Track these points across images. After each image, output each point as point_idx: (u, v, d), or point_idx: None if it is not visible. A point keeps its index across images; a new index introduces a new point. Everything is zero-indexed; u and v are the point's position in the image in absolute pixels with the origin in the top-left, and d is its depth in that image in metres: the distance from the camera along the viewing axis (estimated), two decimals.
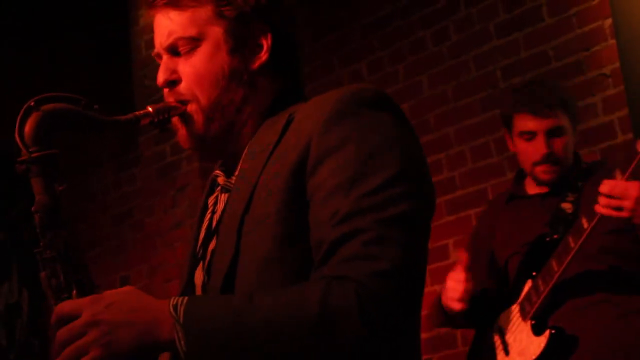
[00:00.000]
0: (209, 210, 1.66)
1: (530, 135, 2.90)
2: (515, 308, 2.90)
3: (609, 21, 3.83)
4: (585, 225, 2.67)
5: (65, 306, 1.36)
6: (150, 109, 1.58)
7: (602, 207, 2.61)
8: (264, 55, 1.60)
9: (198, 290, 1.59)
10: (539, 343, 2.78)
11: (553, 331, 2.76)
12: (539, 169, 2.91)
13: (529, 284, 2.86)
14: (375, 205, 1.37)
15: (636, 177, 2.59)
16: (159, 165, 5.24)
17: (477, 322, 3.06)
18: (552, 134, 2.88)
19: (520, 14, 4.20)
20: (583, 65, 3.93)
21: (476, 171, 4.27)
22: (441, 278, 4.26)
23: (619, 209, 2.58)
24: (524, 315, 2.85)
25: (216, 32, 1.59)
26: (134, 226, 5.57)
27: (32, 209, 1.44)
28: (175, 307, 1.32)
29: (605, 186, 2.60)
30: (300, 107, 1.55)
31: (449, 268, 4.23)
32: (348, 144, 1.41)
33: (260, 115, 1.61)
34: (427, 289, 4.39)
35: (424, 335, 4.25)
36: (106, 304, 1.33)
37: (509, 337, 2.90)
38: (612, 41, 3.81)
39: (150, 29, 1.68)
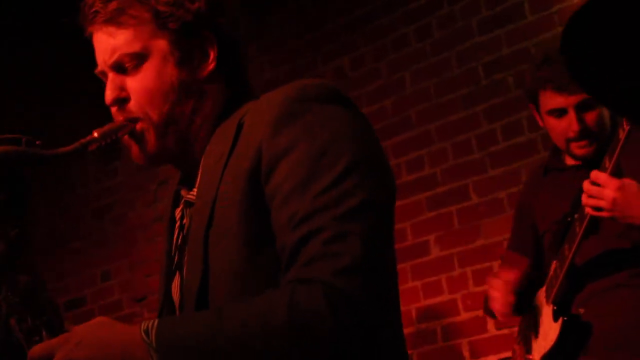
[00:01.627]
0: (177, 225, 1.65)
1: (560, 112, 2.78)
2: (544, 289, 2.84)
3: None
4: (587, 210, 2.57)
5: (36, 349, 1.36)
6: (95, 134, 1.55)
7: (585, 205, 2.55)
8: (211, 64, 1.60)
9: (176, 307, 1.59)
10: (555, 329, 2.72)
11: (565, 318, 2.69)
12: (574, 145, 2.79)
13: (554, 265, 2.78)
14: (330, 203, 1.36)
15: (617, 172, 2.52)
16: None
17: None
18: (583, 108, 2.74)
19: (502, 11, 4.21)
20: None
21: (457, 167, 4.28)
22: (422, 274, 4.30)
23: (597, 208, 2.52)
24: (547, 298, 2.80)
25: (161, 45, 1.57)
26: (115, 220, 5.55)
27: None
28: (146, 332, 1.32)
29: (587, 180, 2.53)
30: (249, 109, 1.53)
31: (430, 264, 4.29)
32: (298, 144, 1.41)
33: (213, 122, 1.60)
34: (409, 285, 4.44)
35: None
36: (76, 342, 1.33)
37: (540, 319, 2.85)
38: None
39: None
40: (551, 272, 2.79)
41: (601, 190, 2.49)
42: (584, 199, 2.54)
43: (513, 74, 4.11)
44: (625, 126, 2.45)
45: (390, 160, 4.52)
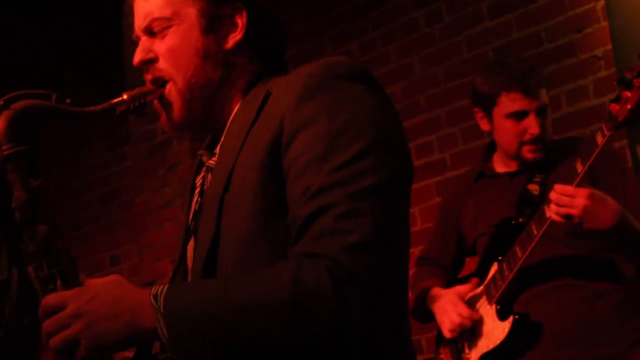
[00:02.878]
0: (197, 190, 1.67)
1: (520, 115, 2.85)
2: (481, 290, 2.91)
3: (601, 3, 3.83)
4: (547, 214, 2.67)
5: (51, 298, 1.40)
6: (125, 96, 1.58)
7: (552, 212, 2.64)
8: (238, 34, 1.60)
9: (189, 271, 1.61)
10: (503, 328, 2.80)
11: (517, 317, 2.78)
12: (527, 149, 2.87)
13: (494, 267, 2.87)
14: (346, 179, 1.36)
15: (590, 177, 2.65)
16: (149, 144, 5.22)
17: None
18: (540, 113, 2.84)
19: None
20: (575, 47, 3.94)
21: (467, 152, 4.28)
22: None
23: (567, 216, 2.60)
24: (489, 298, 2.87)
25: (190, 12, 1.59)
26: (123, 205, 5.56)
27: (12, 205, 1.46)
28: (155, 296, 1.34)
29: (554, 192, 2.62)
30: (278, 82, 1.54)
31: None
32: (319, 119, 1.41)
33: (241, 93, 1.62)
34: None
35: None
36: (90, 297, 1.37)
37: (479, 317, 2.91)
38: (605, 23, 3.81)
39: None
40: (490, 274, 2.87)
41: (572, 200, 2.58)
42: (554, 208, 2.62)
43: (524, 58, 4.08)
44: (606, 132, 2.58)
45: None
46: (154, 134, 5.06)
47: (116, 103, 1.57)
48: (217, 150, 1.61)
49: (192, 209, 1.66)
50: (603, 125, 2.61)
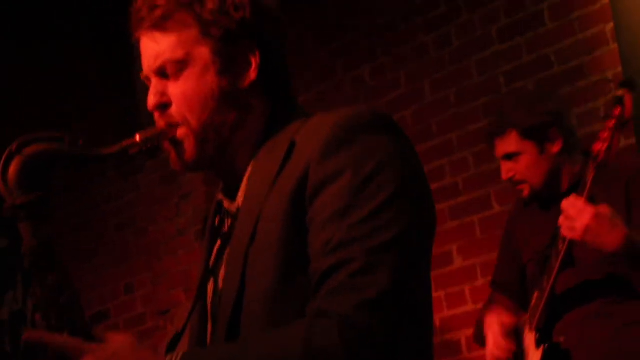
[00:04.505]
0: (218, 235, 1.66)
1: (498, 161, 3.03)
2: (526, 318, 2.94)
3: (610, 25, 3.83)
4: (560, 245, 2.73)
5: (68, 344, 1.36)
6: (137, 138, 1.56)
7: (561, 226, 2.68)
8: (253, 73, 1.58)
9: (209, 310, 1.61)
10: (537, 356, 2.83)
11: (546, 346, 2.80)
12: (516, 189, 3.03)
13: (535, 295, 2.90)
14: (365, 234, 1.36)
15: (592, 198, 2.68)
16: (163, 173, 5.24)
17: None
18: (508, 158, 2.96)
19: (522, 19, 4.19)
20: (585, 70, 3.93)
21: (479, 176, 4.27)
22: (445, 284, 4.28)
23: (571, 229, 2.64)
24: (530, 326, 2.90)
25: (203, 52, 1.56)
26: (137, 234, 5.57)
27: (22, 252, 1.44)
28: None
29: (565, 201, 2.67)
30: (300, 129, 1.53)
31: (454, 274, 4.26)
32: (343, 173, 1.41)
33: (257, 135, 1.60)
34: (432, 295, 4.40)
35: None
36: (111, 353, 1.35)
37: (524, 345, 2.94)
38: (614, 45, 3.81)
39: None
40: (533, 302, 2.91)
41: (578, 214, 2.62)
42: (561, 219, 2.67)
43: (534, 81, 4.08)
44: (592, 170, 2.69)
45: None
46: (167, 163, 5.07)
47: (128, 145, 1.55)
48: (240, 197, 1.59)
49: (215, 250, 1.65)
50: (590, 162, 2.71)
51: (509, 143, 2.93)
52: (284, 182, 1.47)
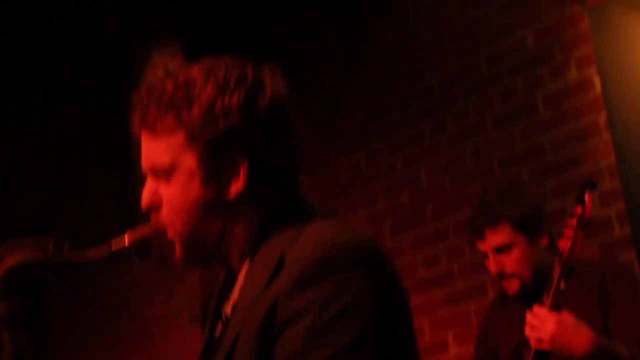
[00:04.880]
0: (212, 337, 1.65)
1: (485, 256, 2.96)
2: None
3: (603, 115, 3.86)
4: (527, 354, 2.71)
5: None
6: (126, 240, 1.55)
7: (529, 337, 2.67)
8: (240, 183, 1.53)
9: None
10: None
11: None
12: (502, 284, 2.96)
13: None
14: None
15: (556, 304, 2.66)
16: (157, 256, 5.22)
17: None
18: (498, 251, 2.91)
19: (516, 107, 4.24)
20: (578, 159, 3.95)
21: (475, 264, 4.25)
22: None
23: (539, 340, 2.63)
24: None
25: (189, 160, 1.54)
26: (132, 316, 5.53)
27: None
28: None
29: (529, 313, 2.67)
30: (292, 244, 1.49)
31: None
32: (305, 315, 1.38)
33: (248, 240, 1.57)
34: None
35: None
36: None
37: None
38: (607, 135, 3.84)
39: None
40: None
41: (541, 324, 2.63)
42: (527, 330, 2.67)
43: (528, 169, 4.11)
44: (557, 267, 2.69)
45: (406, 255, 4.51)
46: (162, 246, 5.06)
47: (117, 250, 1.54)
48: (231, 302, 1.58)
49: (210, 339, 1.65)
50: (556, 260, 2.71)
51: (502, 235, 2.90)
52: (262, 304, 1.45)
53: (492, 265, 2.92)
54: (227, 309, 1.60)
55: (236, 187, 1.54)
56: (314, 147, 5.01)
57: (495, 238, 2.90)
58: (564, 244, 2.71)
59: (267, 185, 1.56)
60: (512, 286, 2.92)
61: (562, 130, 4.03)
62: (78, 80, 5.71)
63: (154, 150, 1.56)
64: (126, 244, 1.54)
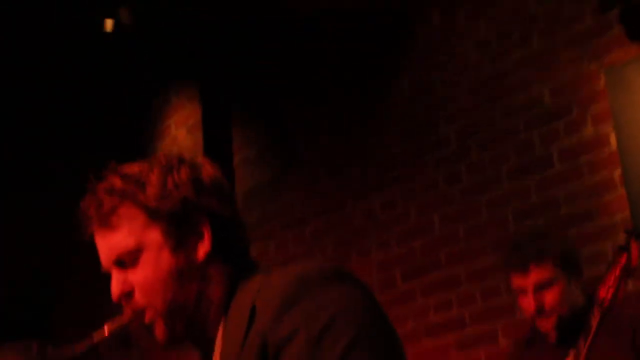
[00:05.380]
0: None
1: (522, 291, 2.96)
2: None
3: (618, 171, 3.96)
4: None
5: None
6: (106, 330, 1.60)
7: None
8: (207, 243, 1.63)
9: None
10: None
11: None
12: (537, 323, 2.97)
13: None
14: None
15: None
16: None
17: None
18: (540, 287, 2.92)
19: (531, 160, 4.33)
20: (593, 213, 4.04)
21: (486, 311, 4.33)
22: None
23: None
24: None
25: (154, 236, 1.62)
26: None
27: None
28: None
29: None
30: (261, 290, 1.56)
31: None
32: (297, 332, 1.45)
33: (221, 300, 1.64)
34: None
35: None
36: None
37: None
38: (622, 190, 3.93)
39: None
40: None
41: None
42: None
43: (543, 222, 4.18)
44: (596, 313, 2.71)
45: (418, 300, 4.58)
46: None
47: (99, 341, 1.59)
48: None
49: None
50: (596, 308, 2.74)
51: (546, 271, 2.92)
52: (248, 353, 1.50)
53: (531, 302, 2.91)
54: None
55: (204, 248, 1.63)
56: (329, 191, 5.10)
57: (539, 273, 2.92)
58: (605, 293, 2.72)
59: (229, 243, 1.67)
60: (549, 324, 2.93)
61: (578, 184, 4.11)
62: (95, 130, 5.78)
63: (115, 241, 1.63)
64: (106, 334, 1.60)
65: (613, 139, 4.00)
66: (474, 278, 4.43)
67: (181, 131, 5.63)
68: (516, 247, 3.00)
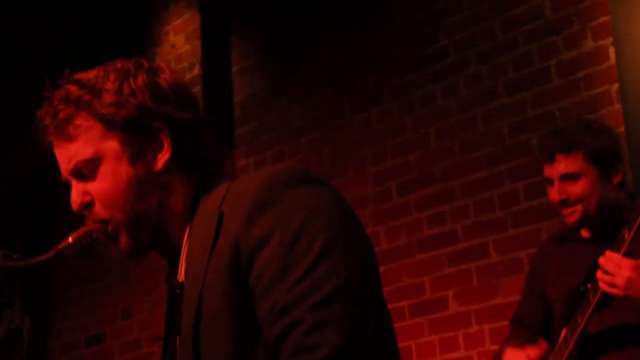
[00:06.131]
0: (172, 307, 1.70)
1: (549, 182, 2.89)
2: (551, 356, 2.87)
3: (615, 86, 3.91)
4: (592, 296, 2.67)
5: None
6: (70, 239, 1.59)
7: (599, 281, 2.62)
8: (166, 153, 1.60)
9: None
10: None
11: None
12: (563, 213, 2.89)
13: (564, 333, 2.83)
14: (306, 292, 1.39)
15: (631, 252, 2.59)
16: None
17: None
18: (566, 178, 2.83)
19: (529, 74, 4.28)
20: None
21: (479, 225, 4.33)
22: (439, 329, 4.34)
23: (612, 285, 2.59)
24: None
25: (112, 145, 1.59)
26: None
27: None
28: None
29: (602, 258, 2.61)
30: (227, 196, 1.55)
31: (448, 319, 4.32)
32: (272, 235, 1.43)
33: (185, 209, 1.62)
34: (425, 339, 4.46)
35: None
36: None
37: None
38: (618, 106, 3.89)
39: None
40: (560, 339, 2.83)
41: (617, 269, 2.57)
42: (599, 274, 2.62)
43: (537, 136, 4.15)
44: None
45: (412, 214, 4.59)
46: None
47: (63, 248, 1.57)
48: (181, 274, 1.60)
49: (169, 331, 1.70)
50: (639, 204, 2.63)
51: (574, 163, 2.82)
52: (218, 256, 1.49)
53: (556, 193, 2.84)
54: (180, 277, 1.62)
55: (163, 157, 1.61)
56: (327, 102, 5.07)
57: (565, 164, 2.83)
58: None
59: (190, 151, 1.63)
60: (574, 215, 2.85)
61: (574, 99, 4.07)
62: (96, 35, 5.73)
63: (73, 151, 1.60)
64: (70, 242, 1.58)
65: (612, 54, 3.94)
66: (468, 192, 4.41)
67: (179, 38, 5.56)
68: (550, 136, 2.92)
